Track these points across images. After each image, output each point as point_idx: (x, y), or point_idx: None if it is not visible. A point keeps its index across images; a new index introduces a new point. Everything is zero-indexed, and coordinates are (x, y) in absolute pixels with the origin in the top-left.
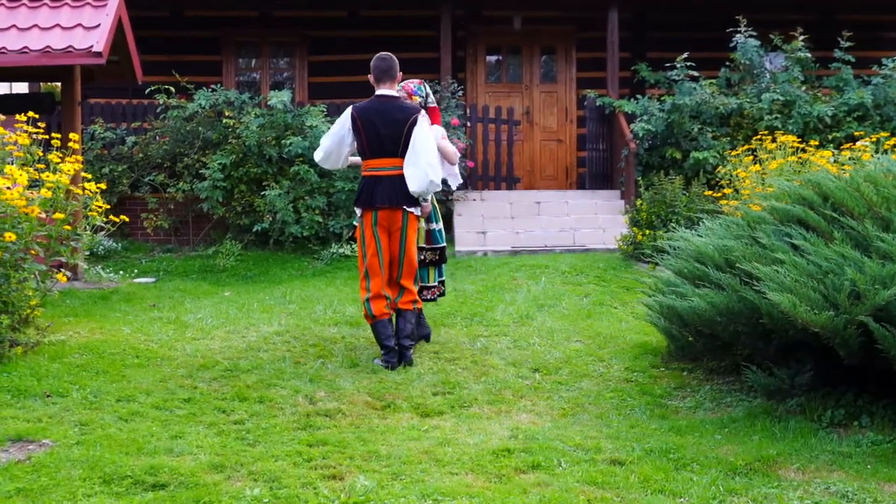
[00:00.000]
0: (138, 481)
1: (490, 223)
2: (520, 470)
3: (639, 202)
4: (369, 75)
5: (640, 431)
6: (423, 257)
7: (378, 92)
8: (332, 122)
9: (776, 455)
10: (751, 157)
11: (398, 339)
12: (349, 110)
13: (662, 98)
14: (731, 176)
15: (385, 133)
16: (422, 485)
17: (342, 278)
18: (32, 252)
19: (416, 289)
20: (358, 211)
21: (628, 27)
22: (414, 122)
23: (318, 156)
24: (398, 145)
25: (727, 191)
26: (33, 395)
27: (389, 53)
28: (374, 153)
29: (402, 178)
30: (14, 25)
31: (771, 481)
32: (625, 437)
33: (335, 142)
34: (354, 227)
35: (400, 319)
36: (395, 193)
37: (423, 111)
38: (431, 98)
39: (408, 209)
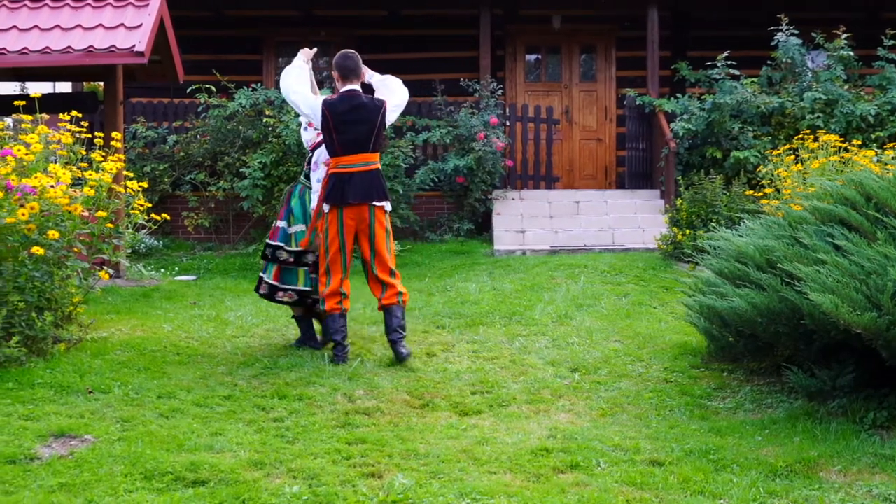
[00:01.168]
0: (179, 477)
1: (529, 222)
2: (558, 470)
3: (679, 202)
4: (334, 72)
5: (680, 432)
6: (286, 258)
7: (345, 88)
8: None
9: (817, 457)
10: (792, 157)
11: (388, 336)
12: (319, 104)
13: (703, 97)
14: (773, 175)
15: (357, 129)
16: (460, 484)
17: None
18: (75, 250)
19: (396, 282)
20: (325, 207)
21: (669, 26)
22: (385, 111)
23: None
24: (370, 140)
25: (768, 190)
26: (76, 392)
27: (354, 51)
28: (345, 150)
29: (373, 172)
30: (58, 25)
31: (812, 483)
32: (664, 437)
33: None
34: (393, 225)
35: (386, 315)
36: (366, 189)
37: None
38: None
39: (375, 204)
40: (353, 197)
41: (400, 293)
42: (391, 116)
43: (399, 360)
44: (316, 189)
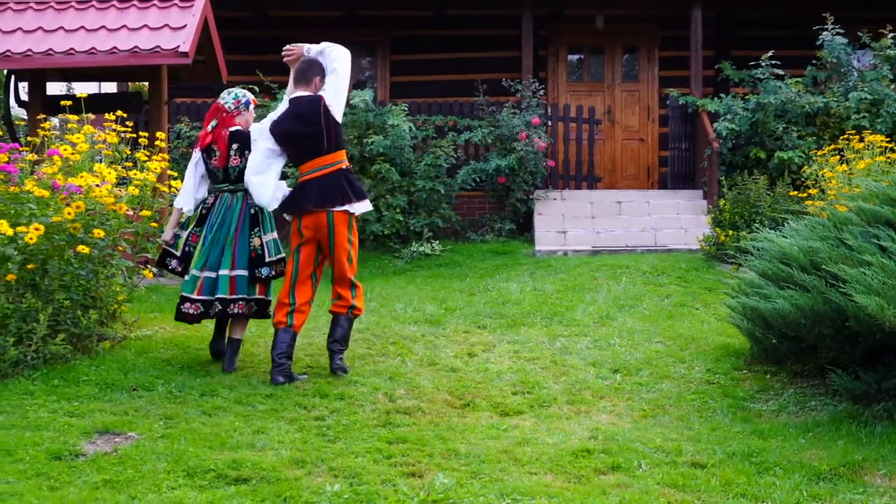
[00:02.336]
0: (221, 475)
1: (571, 223)
2: (599, 471)
3: (722, 202)
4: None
5: (722, 434)
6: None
7: (292, 95)
8: (414, 122)
9: (862, 460)
10: (837, 157)
11: (328, 344)
12: (265, 128)
13: (747, 97)
14: (817, 176)
15: (303, 137)
16: (500, 484)
17: (422, 277)
18: (120, 248)
19: (350, 294)
20: (287, 217)
21: (712, 25)
22: (324, 106)
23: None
24: (321, 142)
25: (813, 191)
26: (120, 389)
27: (312, 57)
28: (300, 160)
29: (334, 174)
30: (104, 26)
31: (856, 487)
32: (706, 439)
33: (265, 164)
34: (433, 226)
35: (333, 322)
36: (324, 194)
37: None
38: (237, 104)
39: (334, 209)
40: (309, 204)
41: (352, 307)
42: (336, 106)
43: (332, 371)
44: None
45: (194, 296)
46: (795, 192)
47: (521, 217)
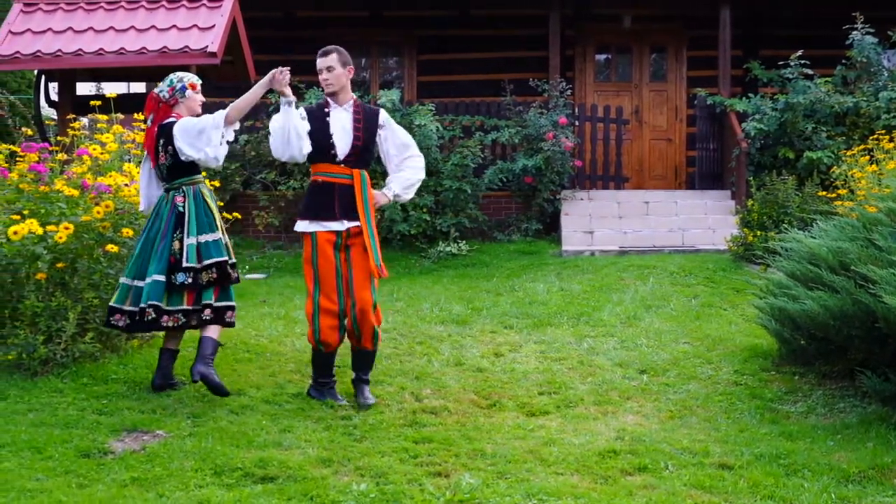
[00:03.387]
0: (248, 473)
1: (598, 223)
2: (626, 472)
3: (750, 202)
4: (350, 68)
5: (750, 436)
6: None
7: None
8: (441, 122)
9: (891, 463)
10: (867, 157)
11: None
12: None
13: (775, 97)
14: (847, 176)
15: None
16: (527, 484)
17: (449, 276)
18: None
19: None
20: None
21: (740, 25)
22: None
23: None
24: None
25: (842, 191)
26: (148, 387)
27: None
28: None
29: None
30: (133, 27)
31: (885, 490)
32: (734, 441)
33: None
34: (459, 226)
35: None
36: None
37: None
38: (171, 92)
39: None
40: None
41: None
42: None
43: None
44: None
45: (124, 307)
46: (824, 193)
47: (547, 217)
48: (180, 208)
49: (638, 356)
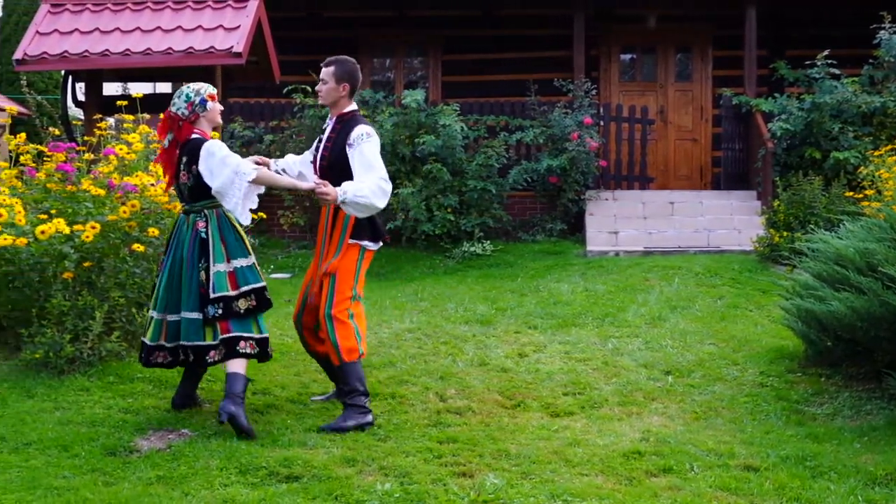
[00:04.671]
0: (273, 472)
1: (622, 223)
2: (650, 473)
3: (776, 203)
4: (345, 84)
5: (776, 437)
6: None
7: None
8: (465, 122)
9: None
10: (894, 158)
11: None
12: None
13: (802, 97)
14: (874, 177)
15: None
16: (551, 485)
17: (473, 277)
18: None
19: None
20: (372, 245)
21: (767, 24)
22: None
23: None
24: None
25: (869, 192)
26: (173, 386)
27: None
28: None
29: None
30: (159, 27)
31: None
32: (759, 442)
33: None
34: (484, 226)
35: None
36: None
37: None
38: (190, 108)
39: None
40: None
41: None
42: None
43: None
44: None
45: (164, 342)
46: (851, 193)
47: (572, 217)
48: (202, 234)
49: (663, 357)
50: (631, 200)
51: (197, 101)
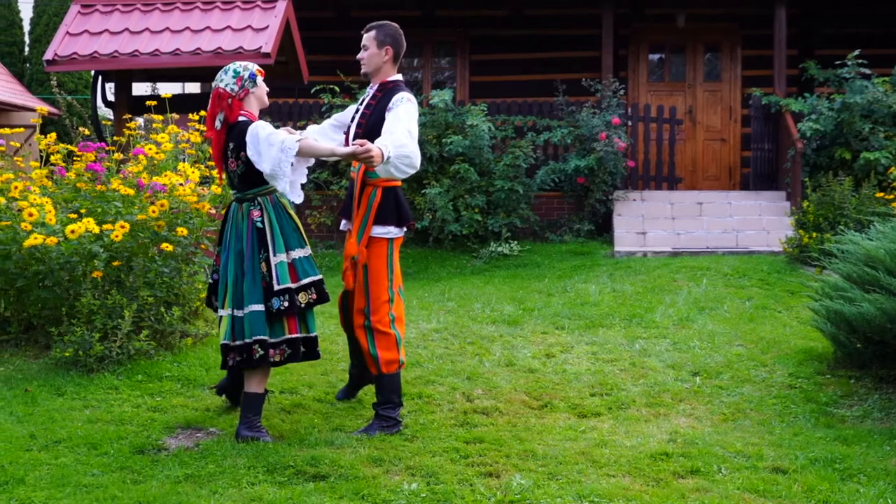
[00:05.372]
0: (300, 471)
1: (650, 224)
2: (678, 474)
3: (805, 203)
4: (390, 49)
5: (804, 440)
6: (287, 303)
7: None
8: (493, 122)
9: None
10: None
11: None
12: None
13: (832, 96)
14: None
15: None
16: (578, 486)
17: (501, 277)
18: (203, 246)
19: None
20: (398, 232)
21: (796, 24)
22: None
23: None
24: None
25: None
26: (201, 385)
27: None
28: None
29: None
30: (188, 27)
31: None
32: (788, 444)
33: None
34: (511, 226)
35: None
36: None
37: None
38: (239, 83)
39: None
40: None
41: None
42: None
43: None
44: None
45: (230, 342)
46: (882, 194)
47: (599, 218)
48: (259, 224)
49: (691, 358)
50: (659, 201)
51: (246, 76)
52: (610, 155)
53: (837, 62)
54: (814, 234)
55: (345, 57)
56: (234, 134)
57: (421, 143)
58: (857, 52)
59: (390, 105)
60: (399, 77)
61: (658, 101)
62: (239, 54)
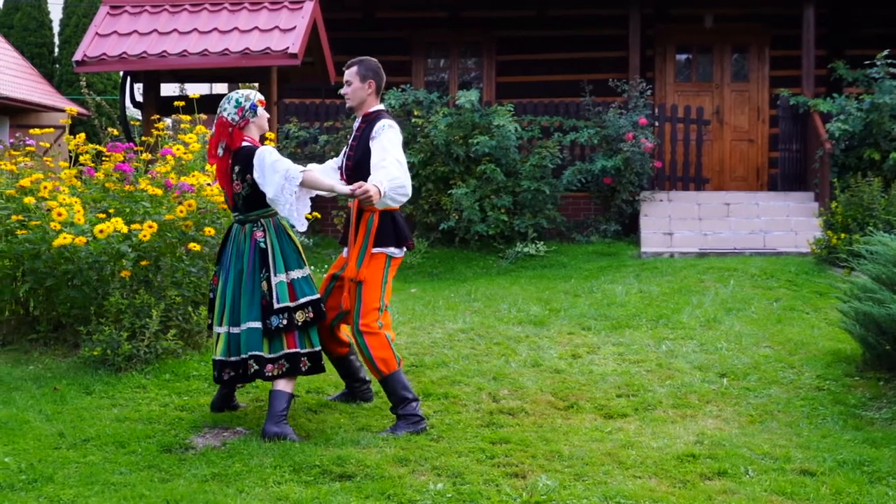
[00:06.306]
0: (326, 471)
1: (677, 224)
2: (705, 476)
3: (834, 204)
4: (372, 82)
5: (833, 442)
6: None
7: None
8: (519, 122)
9: None
10: None
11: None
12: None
13: (861, 97)
14: None
15: None
16: (604, 487)
17: (527, 277)
18: None
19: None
20: (398, 252)
21: (825, 23)
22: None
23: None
24: None
25: None
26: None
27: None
28: None
29: None
30: (216, 28)
31: None
32: (816, 446)
33: None
34: (537, 226)
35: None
36: None
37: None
38: (240, 113)
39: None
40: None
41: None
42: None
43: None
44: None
45: (229, 358)
46: None
47: (626, 218)
48: (262, 244)
49: (718, 359)
50: (686, 201)
51: (247, 107)
52: (637, 155)
53: (866, 62)
54: (842, 235)
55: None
56: (240, 157)
57: (447, 143)
58: (886, 53)
59: (373, 134)
60: (381, 107)
61: (685, 102)
62: (266, 55)
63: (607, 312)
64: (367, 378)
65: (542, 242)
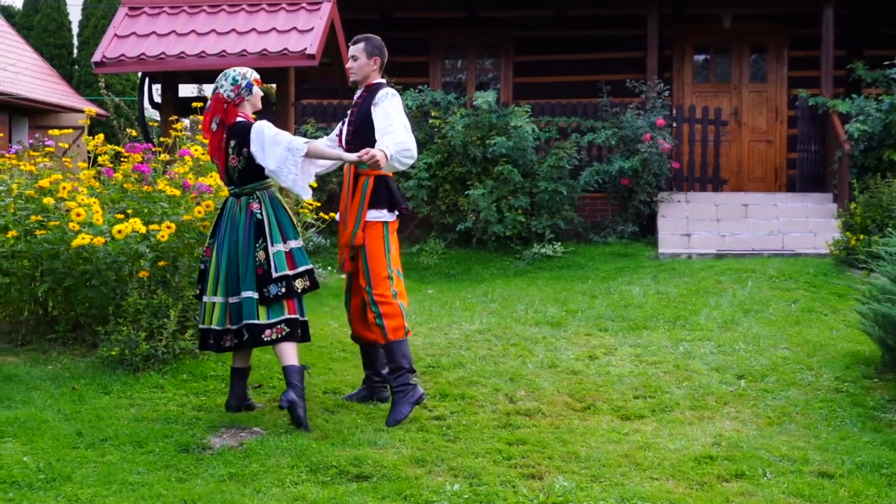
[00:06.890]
0: (343, 471)
1: (695, 225)
2: (722, 478)
3: (853, 206)
4: (377, 58)
5: (851, 444)
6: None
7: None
8: (537, 123)
9: None
10: None
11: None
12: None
13: (880, 97)
14: None
15: None
16: (621, 488)
17: (544, 278)
18: None
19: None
20: (391, 216)
21: (844, 24)
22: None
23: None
24: None
25: None
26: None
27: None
28: None
29: None
30: (234, 29)
31: None
32: (834, 449)
33: None
34: (555, 227)
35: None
36: None
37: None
38: (237, 90)
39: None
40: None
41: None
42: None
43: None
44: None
45: (228, 326)
46: None
47: (643, 219)
48: (258, 215)
49: (735, 361)
50: (704, 202)
51: (243, 85)
52: (654, 156)
53: (886, 63)
54: (861, 237)
55: (388, 58)
56: (236, 132)
57: (465, 144)
58: None
59: (375, 101)
60: (383, 81)
61: (703, 102)
62: (284, 56)
63: (624, 314)
64: (386, 374)
65: (559, 243)
